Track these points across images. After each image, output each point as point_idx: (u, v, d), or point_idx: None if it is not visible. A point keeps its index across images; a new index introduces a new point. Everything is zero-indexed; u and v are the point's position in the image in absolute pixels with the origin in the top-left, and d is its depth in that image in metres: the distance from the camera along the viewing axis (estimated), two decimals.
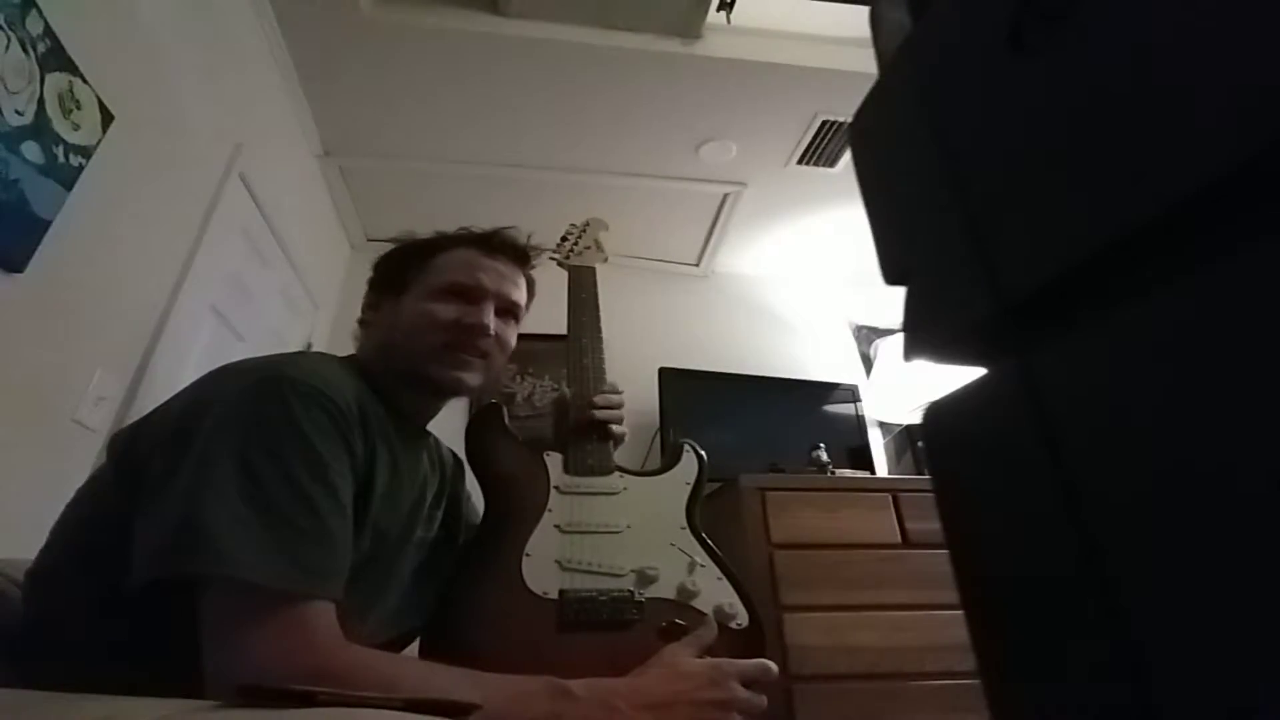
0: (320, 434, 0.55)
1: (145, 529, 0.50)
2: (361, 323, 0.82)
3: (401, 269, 0.79)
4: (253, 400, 0.56)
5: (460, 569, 0.72)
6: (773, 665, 0.63)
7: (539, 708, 0.52)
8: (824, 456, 2.09)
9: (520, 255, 0.83)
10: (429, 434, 0.81)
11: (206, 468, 0.51)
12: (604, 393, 0.85)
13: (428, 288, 0.76)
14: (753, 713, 0.60)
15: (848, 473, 2.10)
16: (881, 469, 2.39)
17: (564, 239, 1.04)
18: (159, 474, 0.53)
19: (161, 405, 0.62)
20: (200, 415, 0.55)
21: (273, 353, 0.68)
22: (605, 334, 0.94)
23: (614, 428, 0.83)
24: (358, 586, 0.61)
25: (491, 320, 0.75)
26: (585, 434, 0.81)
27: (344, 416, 0.58)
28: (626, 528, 0.74)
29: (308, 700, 0.36)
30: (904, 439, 2.46)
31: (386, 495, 0.64)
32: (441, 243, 0.81)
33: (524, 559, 0.69)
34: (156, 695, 0.40)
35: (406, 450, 0.71)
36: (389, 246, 0.85)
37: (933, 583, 1.62)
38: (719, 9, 1.74)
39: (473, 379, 0.74)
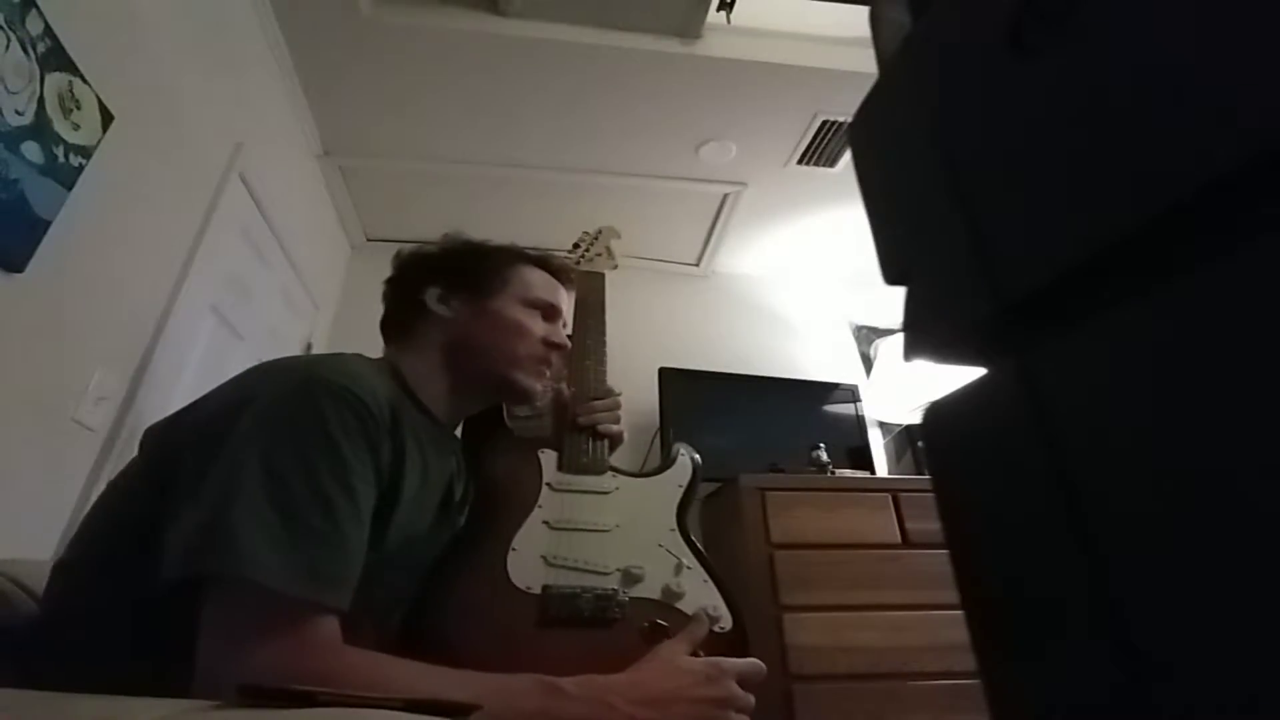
0: (348, 437, 0.56)
1: (175, 530, 0.50)
2: (415, 311, 0.79)
3: (477, 271, 0.82)
4: (285, 402, 0.56)
5: (445, 559, 0.72)
6: (763, 665, 0.64)
7: (530, 704, 0.51)
8: (824, 456, 2.09)
9: (567, 285, 0.90)
10: (458, 439, 0.83)
11: (236, 469, 0.51)
12: (601, 395, 0.86)
13: (518, 298, 0.81)
14: (746, 711, 0.60)
15: (848, 473, 2.11)
16: (881, 469, 2.39)
17: (576, 245, 1.08)
18: (191, 474, 0.53)
19: (197, 401, 0.63)
20: (233, 416, 0.56)
21: (272, 353, 0.68)
22: (606, 334, 0.95)
23: (610, 428, 0.84)
24: (385, 586, 0.61)
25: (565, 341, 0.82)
26: (582, 433, 0.82)
27: (374, 419, 0.59)
28: (615, 527, 0.74)
29: (308, 700, 0.36)
30: (904, 439, 2.46)
31: (414, 499, 0.64)
32: (513, 255, 0.85)
33: (510, 553, 0.68)
34: (157, 695, 0.40)
35: (438, 454, 0.72)
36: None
37: (933, 583, 1.62)
38: (719, 9, 1.74)
39: (542, 390, 0.81)
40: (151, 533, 0.51)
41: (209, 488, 0.51)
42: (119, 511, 0.59)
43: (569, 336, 0.95)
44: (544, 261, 0.87)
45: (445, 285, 0.80)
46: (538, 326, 0.80)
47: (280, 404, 0.56)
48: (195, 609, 0.48)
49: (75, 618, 0.55)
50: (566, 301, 0.87)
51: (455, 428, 0.81)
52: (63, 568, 0.58)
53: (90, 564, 0.57)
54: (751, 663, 0.63)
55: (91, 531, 0.60)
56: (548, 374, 0.81)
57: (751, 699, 0.61)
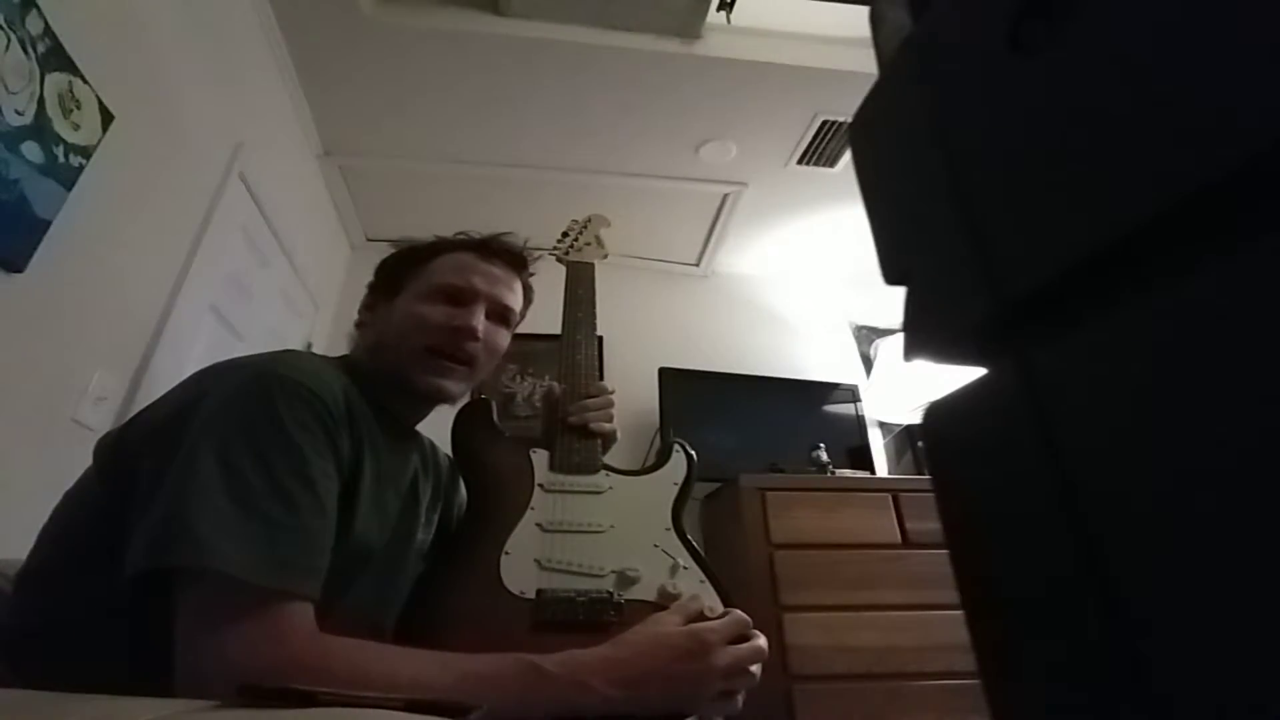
0: (305, 431, 0.55)
1: (138, 527, 0.50)
2: (357, 325, 0.82)
3: (397, 272, 0.80)
4: (239, 398, 0.56)
5: (437, 565, 0.71)
6: (744, 615, 0.63)
7: (510, 687, 0.51)
8: (824, 456, 2.09)
9: (517, 260, 0.83)
10: (419, 435, 0.81)
11: (192, 465, 0.51)
12: (593, 393, 0.84)
13: (420, 290, 0.76)
14: (735, 673, 0.59)
15: (848, 473, 2.11)
16: (881, 469, 2.39)
17: (565, 235, 1.05)
18: (150, 474, 0.53)
19: (149, 406, 0.62)
20: (189, 414, 0.55)
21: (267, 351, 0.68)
22: (606, 334, 0.94)
23: (602, 425, 0.82)
24: (354, 590, 0.61)
25: (481, 323, 0.75)
26: (574, 431, 0.81)
27: (330, 414, 0.58)
28: (610, 527, 0.73)
29: (308, 700, 0.36)
30: (904, 439, 2.46)
31: (372, 495, 0.64)
32: (438, 246, 0.81)
33: (503, 557, 0.68)
34: (156, 695, 0.40)
35: (393, 451, 0.70)
36: (389, 247, 0.85)
37: (933, 583, 1.62)
38: (719, 9, 1.74)
39: (454, 387, 0.74)
40: (113, 538, 0.51)
41: (166, 486, 0.50)
42: (78, 520, 0.59)
43: (564, 329, 0.93)
44: (469, 243, 0.81)
45: (369, 297, 0.82)
46: (436, 313, 0.73)
47: (233, 400, 0.56)
48: (165, 608, 0.48)
49: (52, 624, 0.54)
50: (496, 279, 0.79)
51: (414, 425, 0.79)
52: (27, 577, 0.58)
53: (55, 572, 0.57)
54: (731, 620, 0.62)
55: (51, 542, 0.59)
56: (457, 368, 0.73)
57: (741, 651, 0.60)
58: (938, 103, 0.29)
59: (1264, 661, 0.15)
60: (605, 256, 1.03)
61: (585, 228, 1.05)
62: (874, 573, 1.67)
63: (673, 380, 2.27)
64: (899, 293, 0.29)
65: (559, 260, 1.02)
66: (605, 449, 0.82)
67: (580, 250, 1.02)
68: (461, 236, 0.82)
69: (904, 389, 2.29)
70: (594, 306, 0.95)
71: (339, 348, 0.83)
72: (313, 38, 1.71)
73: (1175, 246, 0.19)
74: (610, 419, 0.84)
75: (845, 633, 1.58)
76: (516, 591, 0.66)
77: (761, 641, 0.62)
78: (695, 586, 0.70)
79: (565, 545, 0.70)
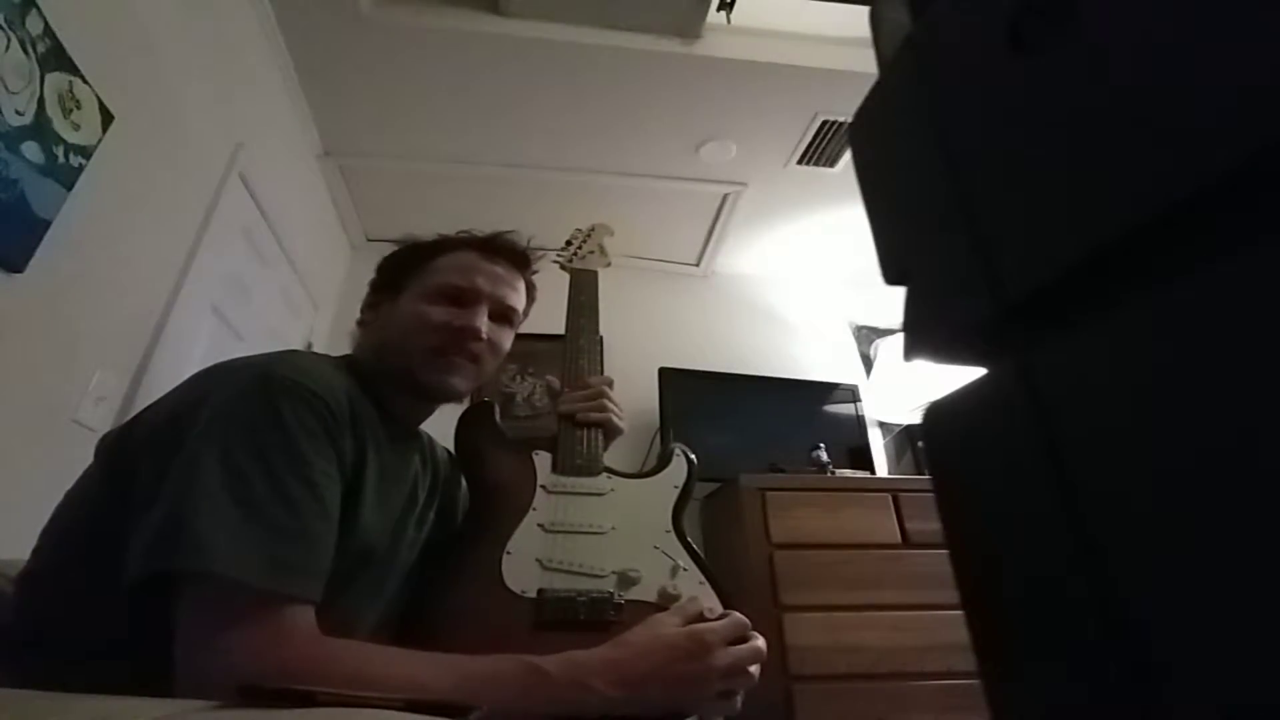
0: (307, 434, 0.55)
1: (137, 529, 0.50)
2: (360, 323, 0.82)
3: (400, 271, 0.79)
4: (241, 400, 0.56)
5: (439, 564, 0.71)
6: (743, 618, 0.63)
7: (510, 689, 0.51)
8: (824, 456, 2.09)
9: (520, 259, 0.83)
10: (421, 434, 0.81)
11: (194, 467, 0.51)
12: (593, 383, 0.84)
13: (423, 289, 0.76)
14: (736, 673, 0.59)
15: (848, 473, 2.11)
16: (881, 469, 2.39)
17: (568, 243, 1.06)
18: (150, 475, 0.53)
19: (150, 406, 0.62)
20: (190, 415, 0.55)
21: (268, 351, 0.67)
22: (606, 334, 0.95)
23: (591, 415, 0.82)
24: (353, 589, 0.61)
25: (484, 324, 0.75)
26: (573, 432, 0.81)
27: (333, 416, 0.58)
28: (611, 529, 0.73)
29: (308, 700, 0.36)
30: (904, 439, 2.46)
31: (375, 495, 0.64)
32: (442, 245, 0.81)
33: (504, 557, 0.68)
34: (156, 695, 0.40)
35: (395, 451, 0.70)
36: (389, 247, 0.85)
37: (933, 583, 1.62)
38: (719, 9, 1.74)
39: (460, 384, 0.74)
40: (114, 538, 0.51)
41: (168, 488, 0.50)
42: (80, 520, 0.58)
43: (567, 336, 0.94)
44: (472, 242, 0.80)
45: (372, 296, 0.81)
46: (439, 314, 0.73)
47: (235, 402, 0.55)
48: (166, 608, 0.48)
49: (53, 624, 0.54)
50: (499, 279, 0.78)
51: (416, 425, 0.79)
52: (28, 579, 0.58)
53: (56, 573, 0.57)
54: (730, 622, 0.62)
55: (53, 542, 0.59)
56: (463, 365, 0.74)
57: (741, 652, 0.60)
58: (938, 103, 0.29)
59: (1262, 661, 0.15)
60: (609, 264, 1.05)
61: (589, 236, 1.07)
62: (874, 573, 1.67)
63: (673, 380, 2.27)
64: (899, 293, 0.29)
65: (562, 268, 1.03)
66: (608, 441, 0.82)
67: (584, 258, 1.03)
68: (465, 234, 0.82)
69: (904, 389, 2.29)
70: (597, 314, 0.97)
71: (339, 348, 0.83)
72: (313, 38, 1.71)
73: (1175, 246, 0.19)
74: (601, 409, 0.83)
75: (845, 633, 1.58)
76: (518, 591, 0.66)
77: (760, 642, 0.62)
78: (695, 588, 0.70)
79: (567, 546, 0.71)
